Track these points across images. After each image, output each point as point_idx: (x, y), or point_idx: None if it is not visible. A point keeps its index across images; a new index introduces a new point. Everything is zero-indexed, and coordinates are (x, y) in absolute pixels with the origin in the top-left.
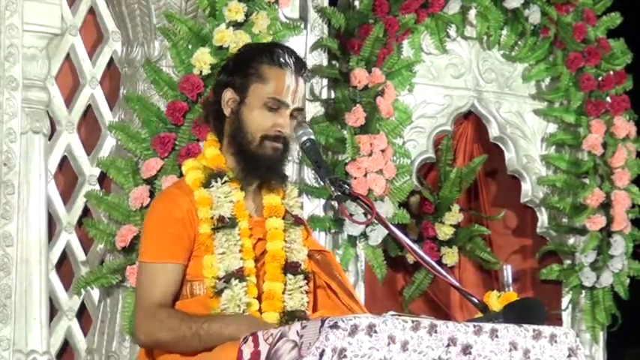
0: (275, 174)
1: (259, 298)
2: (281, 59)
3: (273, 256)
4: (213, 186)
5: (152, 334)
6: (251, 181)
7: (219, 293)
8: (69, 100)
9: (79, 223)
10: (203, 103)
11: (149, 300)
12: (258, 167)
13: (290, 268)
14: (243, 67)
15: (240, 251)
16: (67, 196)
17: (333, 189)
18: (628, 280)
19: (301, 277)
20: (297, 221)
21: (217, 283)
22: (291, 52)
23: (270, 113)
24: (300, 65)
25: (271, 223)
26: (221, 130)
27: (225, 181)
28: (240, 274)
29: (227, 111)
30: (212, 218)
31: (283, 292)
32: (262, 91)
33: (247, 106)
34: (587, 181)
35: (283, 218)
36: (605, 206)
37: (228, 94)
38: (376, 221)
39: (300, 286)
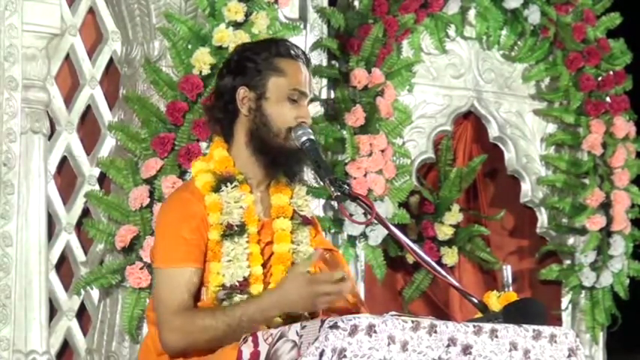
0: (302, 167)
1: None
2: (291, 51)
3: (280, 258)
4: (223, 190)
5: (186, 337)
6: (272, 176)
7: (219, 302)
8: (68, 100)
9: (79, 223)
10: (205, 108)
11: (173, 305)
12: (286, 161)
13: None
14: (254, 63)
15: (248, 259)
16: (66, 196)
17: (332, 189)
18: (628, 280)
19: None
20: (305, 221)
21: (220, 291)
22: (295, 45)
23: (292, 105)
24: (305, 56)
25: (278, 225)
26: (230, 132)
27: (235, 186)
28: (243, 286)
29: (244, 109)
30: (221, 224)
31: None
32: (282, 84)
33: (269, 101)
34: (586, 181)
35: (291, 219)
36: (605, 206)
37: (243, 92)
38: (376, 221)
39: None
